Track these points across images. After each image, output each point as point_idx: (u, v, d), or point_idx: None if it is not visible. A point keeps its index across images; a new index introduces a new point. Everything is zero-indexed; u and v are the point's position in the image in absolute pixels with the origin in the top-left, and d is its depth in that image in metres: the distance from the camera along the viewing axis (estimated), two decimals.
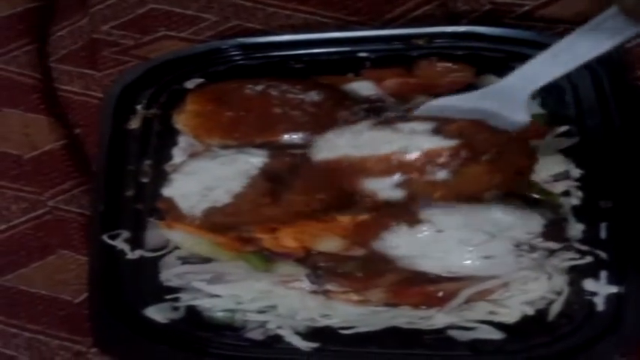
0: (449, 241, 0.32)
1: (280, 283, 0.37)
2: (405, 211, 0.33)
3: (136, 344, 0.38)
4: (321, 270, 0.36)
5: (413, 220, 0.33)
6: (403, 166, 0.32)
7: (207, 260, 0.38)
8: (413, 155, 0.31)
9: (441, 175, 0.32)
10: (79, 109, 0.48)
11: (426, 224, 0.32)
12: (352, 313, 0.36)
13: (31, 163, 0.47)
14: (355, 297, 0.36)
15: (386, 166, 0.32)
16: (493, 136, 0.32)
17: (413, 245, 0.33)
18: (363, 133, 0.31)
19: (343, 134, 0.32)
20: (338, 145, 0.33)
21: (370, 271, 0.35)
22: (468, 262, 0.33)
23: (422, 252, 0.34)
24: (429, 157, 0.31)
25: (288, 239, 0.35)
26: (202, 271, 0.38)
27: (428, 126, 0.31)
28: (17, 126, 0.48)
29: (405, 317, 0.35)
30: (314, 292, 0.36)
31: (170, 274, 0.39)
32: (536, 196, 0.35)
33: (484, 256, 0.33)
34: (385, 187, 0.33)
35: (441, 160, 0.30)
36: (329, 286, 0.36)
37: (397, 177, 0.32)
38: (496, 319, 0.35)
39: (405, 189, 0.32)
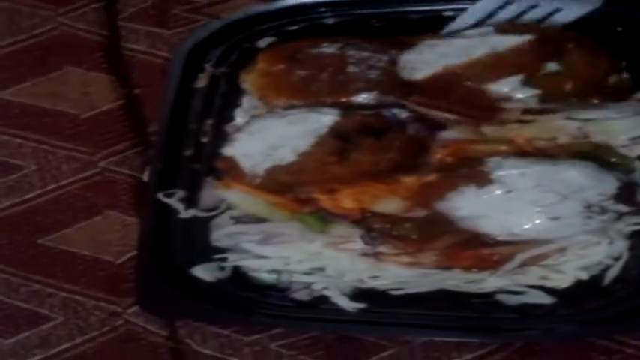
0: (517, 202, 0.34)
1: (331, 245, 0.39)
2: (475, 172, 0.36)
3: (180, 302, 0.40)
4: (376, 232, 0.38)
5: (484, 181, 0.36)
6: (519, 65, 0.35)
7: (260, 221, 0.41)
8: (508, 53, 0.34)
9: (552, 66, 0.35)
10: (142, 69, 0.50)
11: (497, 185, 0.34)
12: (402, 274, 0.38)
13: (88, 122, 0.50)
14: (407, 259, 0.38)
15: (499, 67, 0.35)
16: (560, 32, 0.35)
17: (479, 206, 0.34)
18: (454, 42, 0.34)
19: (427, 49, 0.35)
20: (430, 60, 0.35)
21: (426, 233, 0.37)
22: (534, 223, 0.35)
23: (487, 213, 0.36)
24: (538, 50, 0.35)
25: (347, 200, 0.38)
26: (253, 232, 0.41)
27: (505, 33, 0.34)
28: (77, 85, 0.51)
29: (456, 280, 0.37)
30: (365, 254, 0.38)
31: (221, 234, 0.41)
32: (613, 159, 0.37)
33: (552, 217, 0.35)
34: (516, 87, 0.36)
35: (548, 49, 0.33)
36: (382, 248, 0.38)
37: (520, 76, 0.35)
38: (548, 284, 0.37)
39: (533, 87, 0.35)
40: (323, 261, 0.39)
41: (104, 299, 0.49)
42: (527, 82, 0.37)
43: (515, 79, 0.36)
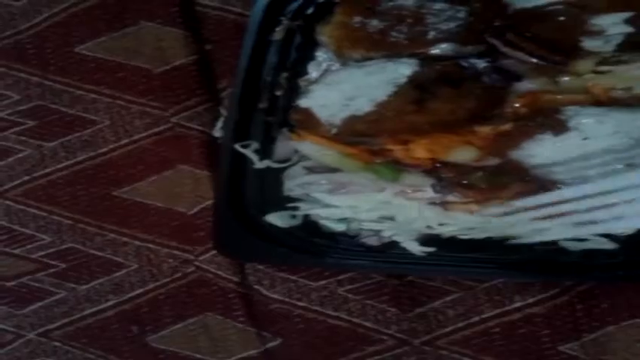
0: (593, 149, 0.39)
1: (401, 194, 0.46)
2: (552, 120, 0.41)
3: (255, 246, 0.48)
4: (446, 181, 0.44)
5: (561, 128, 0.41)
6: (632, 3, 0.39)
7: (332, 171, 0.47)
8: None
9: None
10: (214, 25, 0.56)
11: (573, 132, 0.39)
12: (469, 221, 0.45)
13: (161, 77, 0.57)
14: (475, 207, 0.45)
15: (616, 3, 0.39)
16: None
17: (555, 153, 0.40)
18: None
19: None
20: None
21: (495, 182, 0.43)
22: (607, 170, 0.41)
23: (562, 160, 0.41)
24: None
25: (420, 150, 0.44)
26: (325, 181, 0.48)
27: None
28: (151, 39, 0.57)
29: (521, 227, 0.44)
30: (433, 203, 0.45)
31: (293, 183, 0.48)
32: None
33: (627, 164, 0.41)
34: (616, 22, 0.40)
35: None
36: (451, 197, 0.45)
37: (627, 13, 0.40)
38: (612, 231, 0.43)
39: (632, 25, 0.40)
40: (392, 210, 0.47)
41: (176, 247, 0.58)
42: (629, 20, 0.40)
43: (622, 15, 0.40)
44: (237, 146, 0.46)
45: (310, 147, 0.47)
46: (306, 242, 0.48)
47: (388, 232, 0.46)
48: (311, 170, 0.48)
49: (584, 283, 0.48)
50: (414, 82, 0.42)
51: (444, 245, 0.46)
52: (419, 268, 0.47)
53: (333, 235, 0.48)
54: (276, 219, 0.48)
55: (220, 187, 0.50)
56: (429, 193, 0.45)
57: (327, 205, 0.47)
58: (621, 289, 0.49)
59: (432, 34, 0.44)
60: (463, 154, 0.44)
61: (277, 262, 0.51)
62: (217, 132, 0.53)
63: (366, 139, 0.45)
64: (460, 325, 0.50)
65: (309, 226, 0.49)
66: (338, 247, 0.48)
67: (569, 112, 0.42)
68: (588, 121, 0.41)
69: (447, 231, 0.45)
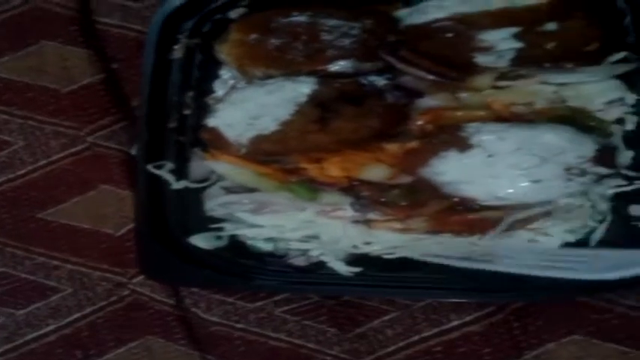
0: (498, 166, 0.43)
1: (323, 213, 0.49)
2: (455, 137, 0.44)
3: (182, 270, 0.50)
4: (365, 199, 0.46)
5: (464, 146, 0.43)
6: (516, 19, 0.42)
7: (251, 190, 0.50)
8: (521, 9, 0.42)
9: (550, 26, 0.42)
10: (117, 43, 0.59)
11: (477, 149, 0.43)
12: (394, 240, 0.48)
13: (70, 97, 0.60)
14: (398, 225, 0.48)
15: (501, 19, 0.42)
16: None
17: (461, 171, 0.43)
18: None
19: None
20: (445, 5, 0.43)
21: (414, 199, 0.46)
22: (516, 186, 0.43)
23: (470, 177, 0.44)
24: (536, 11, 0.42)
25: (333, 169, 0.47)
26: (246, 201, 0.49)
27: None
28: (55, 59, 0.60)
29: (446, 244, 0.47)
30: (356, 222, 0.48)
31: (214, 203, 0.51)
32: (591, 123, 0.45)
33: (533, 180, 0.43)
34: (505, 37, 0.43)
35: (546, 12, 0.41)
36: (372, 215, 0.48)
37: (514, 29, 0.42)
38: (536, 247, 0.45)
39: (521, 40, 0.42)
40: (317, 229, 0.49)
41: (109, 270, 0.60)
42: (517, 35, 0.44)
43: (510, 31, 0.44)
44: (151, 167, 0.47)
45: (224, 166, 0.50)
46: (232, 264, 0.51)
47: (315, 252, 0.50)
48: (230, 190, 0.52)
49: (517, 301, 0.47)
50: (314, 100, 0.45)
51: (372, 265, 0.49)
52: (348, 289, 0.51)
53: (261, 256, 0.52)
54: (200, 240, 0.50)
55: (139, 208, 0.52)
56: (349, 212, 0.48)
57: (252, 225, 0.50)
58: (555, 306, 0.52)
59: (329, 52, 0.47)
60: (375, 172, 0.46)
61: (205, 285, 0.53)
62: (134, 151, 0.52)
63: (278, 157, 0.45)
64: (401, 344, 0.53)
65: (236, 247, 0.52)
66: (266, 268, 0.52)
67: (470, 129, 0.44)
68: (489, 137, 0.43)
69: (372, 250, 0.49)
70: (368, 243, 0.48)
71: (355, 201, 0.47)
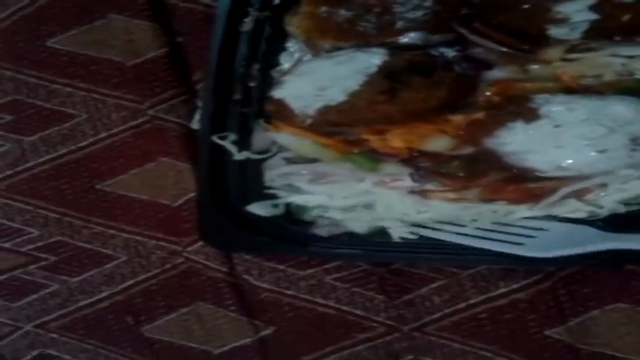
0: (565, 136, 0.45)
1: (381, 184, 0.51)
2: (523, 108, 0.46)
3: (240, 236, 0.54)
4: (424, 170, 0.50)
5: (532, 116, 0.46)
6: None
7: (311, 161, 0.53)
8: None
9: None
10: (184, 17, 0.61)
11: (544, 119, 0.45)
12: (447, 208, 0.51)
13: (134, 70, 0.63)
14: (453, 195, 0.50)
15: None
16: None
17: (527, 141, 0.45)
18: None
19: None
20: None
21: (472, 170, 0.49)
22: (581, 156, 0.46)
23: (534, 147, 0.46)
24: None
25: (396, 140, 0.49)
26: (305, 171, 0.53)
27: None
28: (121, 32, 0.62)
29: (495, 211, 0.49)
30: (412, 192, 0.51)
31: (273, 174, 0.54)
32: None
33: (598, 150, 0.45)
34: (581, 9, 0.45)
35: None
36: (429, 186, 0.50)
37: (588, 0, 0.44)
38: (583, 215, 0.48)
39: (596, 12, 0.44)
40: (373, 198, 0.52)
41: (164, 239, 0.64)
42: (593, 7, 0.46)
43: (586, 2, 0.45)
44: (215, 138, 0.50)
45: (287, 138, 0.52)
46: (288, 231, 0.54)
47: (370, 219, 0.51)
48: (290, 161, 0.54)
49: (565, 268, 0.52)
50: (384, 71, 0.48)
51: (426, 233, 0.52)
52: (399, 255, 0.53)
53: (312, 224, 0.53)
54: (258, 208, 0.54)
55: (201, 179, 0.56)
56: (408, 182, 0.50)
57: (306, 193, 0.53)
58: (602, 274, 0.55)
59: (400, 24, 0.49)
60: (438, 143, 0.49)
61: (261, 251, 0.57)
62: (195, 124, 0.58)
63: (342, 129, 0.50)
64: (447, 311, 0.57)
65: (292, 215, 0.55)
66: (320, 235, 0.52)
67: (539, 100, 0.47)
68: (559, 108, 0.46)
69: (424, 218, 0.51)
70: (420, 212, 0.51)
71: (414, 172, 0.49)
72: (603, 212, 0.48)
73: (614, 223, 0.47)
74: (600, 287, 0.53)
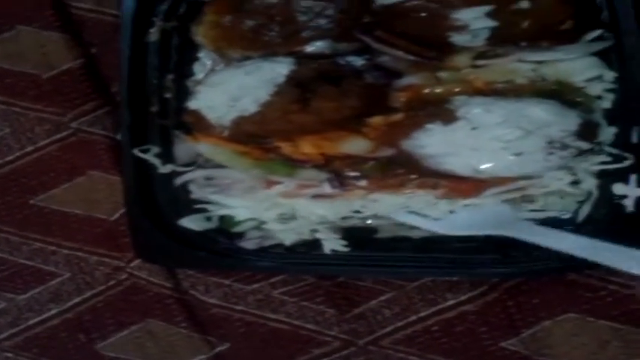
0: (482, 138, 0.52)
1: (299, 189, 0.59)
2: (441, 110, 0.53)
3: (176, 252, 0.63)
4: (341, 174, 0.57)
5: (449, 118, 0.53)
6: None
7: (224, 170, 0.61)
8: None
9: (524, 4, 0.51)
10: (94, 28, 0.70)
11: (462, 121, 0.53)
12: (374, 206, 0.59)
13: (51, 83, 0.71)
14: (372, 196, 0.58)
15: None
16: None
17: (444, 143, 0.53)
18: None
19: None
20: None
21: (389, 173, 0.56)
22: (498, 159, 0.53)
23: (452, 150, 0.53)
24: None
25: (306, 146, 0.57)
26: (217, 181, 0.61)
27: None
28: (33, 44, 0.71)
29: (421, 202, 0.57)
30: (331, 196, 0.58)
31: (195, 186, 0.62)
32: (577, 98, 0.53)
33: (514, 153, 0.52)
34: (479, 16, 0.51)
35: None
36: (347, 189, 0.58)
37: (487, 7, 0.51)
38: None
39: (494, 19, 0.51)
40: (294, 207, 0.60)
41: (106, 255, 0.74)
42: (490, 14, 0.53)
43: (482, 9, 0.53)
44: (136, 151, 0.58)
45: (205, 148, 0.61)
46: (223, 245, 0.62)
47: (305, 229, 0.59)
48: (211, 171, 0.62)
49: (510, 279, 0.59)
50: (293, 80, 0.55)
51: (366, 243, 0.60)
52: (340, 269, 0.62)
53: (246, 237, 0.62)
54: (190, 223, 0.63)
55: (128, 193, 0.64)
56: (326, 188, 0.58)
57: (229, 206, 0.61)
58: (548, 285, 0.62)
59: (305, 33, 0.56)
60: (355, 146, 0.56)
61: (200, 267, 0.66)
62: (120, 136, 0.66)
63: (259, 139, 0.57)
64: (399, 324, 0.65)
65: (225, 228, 0.63)
66: (256, 249, 0.61)
67: (457, 101, 0.53)
68: (476, 110, 0.52)
69: (355, 224, 0.59)
70: (345, 218, 0.59)
71: (332, 177, 0.57)
72: (541, 215, 0.55)
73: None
74: (548, 298, 0.59)
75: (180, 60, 0.62)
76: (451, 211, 0.55)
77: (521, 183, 0.54)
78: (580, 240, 0.50)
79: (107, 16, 0.65)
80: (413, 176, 0.54)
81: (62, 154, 0.67)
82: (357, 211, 0.58)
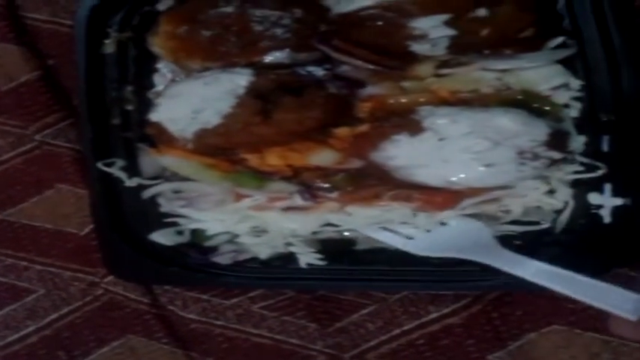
0: (450, 150, 0.54)
1: (270, 202, 0.61)
2: (407, 120, 0.55)
3: (148, 268, 0.65)
4: (311, 186, 0.59)
5: (415, 129, 0.55)
6: (444, 6, 0.53)
7: (191, 183, 0.63)
8: None
9: (482, 12, 0.53)
10: (50, 39, 0.72)
11: (429, 132, 0.55)
12: (339, 220, 0.61)
13: (10, 95, 0.74)
14: (344, 209, 0.60)
15: (433, 4, 0.53)
16: None
17: (413, 155, 0.55)
18: None
19: None
20: None
21: (361, 184, 0.58)
22: (469, 170, 0.55)
23: (421, 162, 0.56)
24: None
25: (273, 158, 0.59)
26: (185, 194, 0.63)
27: None
28: None
29: (397, 216, 0.59)
30: (302, 208, 0.60)
31: (163, 199, 0.65)
32: (545, 107, 0.55)
33: (485, 164, 0.54)
34: (436, 25, 0.53)
35: None
36: (318, 201, 0.60)
37: (444, 16, 0.53)
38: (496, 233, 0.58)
39: (453, 27, 0.53)
40: (264, 220, 0.62)
41: (79, 270, 0.76)
42: (449, 23, 0.54)
43: (440, 18, 0.55)
44: (101, 165, 0.61)
45: (171, 161, 0.63)
46: (196, 260, 0.65)
47: (279, 242, 0.62)
48: (178, 184, 0.64)
49: (492, 292, 0.60)
50: (253, 92, 0.57)
51: (342, 256, 0.62)
52: (316, 283, 0.64)
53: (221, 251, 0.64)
54: (161, 237, 0.65)
55: (96, 208, 0.67)
56: (297, 200, 0.60)
57: (199, 220, 0.64)
58: (531, 296, 0.64)
59: (263, 43, 0.58)
60: (323, 157, 0.59)
61: (174, 283, 0.69)
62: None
63: (224, 151, 0.59)
64: (383, 338, 0.67)
65: (197, 241, 0.66)
66: (230, 264, 0.64)
67: (423, 112, 0.55)
68: (442, 121, 0.54)
69: (328, 237, 0.62)
70: (315, 233, 0.61)
71: (303, 190, 0.59)
72: (517, 228, 0.57)
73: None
74: (532, 310, 0.61)
75: (138, 71, 0.64)
76: (428, 230, 0.57)
77: (497, 193, 0.56)
78: (557, 273, 0.52)
79: (63, 27, 0.70)
80: (386, 188, 0.56)
81: (27, 167, 0.70)
82: (331, 224, 0.60)
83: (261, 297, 0.68)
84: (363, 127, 0.54)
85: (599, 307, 0.49)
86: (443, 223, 0.57)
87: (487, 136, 0.52)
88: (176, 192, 0.63)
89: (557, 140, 0.53)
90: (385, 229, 0.58)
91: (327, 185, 0.58)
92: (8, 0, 0.71)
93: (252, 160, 0.56)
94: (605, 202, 0.55)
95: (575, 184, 0.56)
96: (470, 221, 0.56)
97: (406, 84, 0.56)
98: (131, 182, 0.64)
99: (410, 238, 0.57)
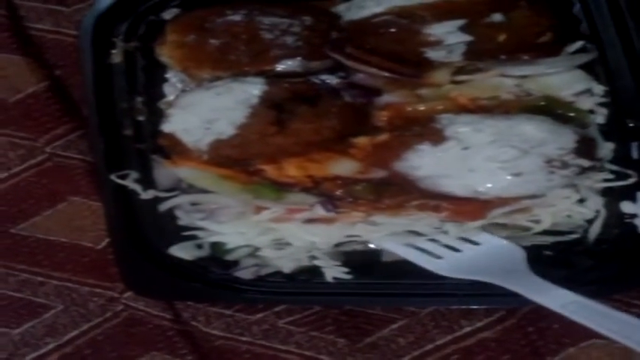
0: (475, 159, 0.61)
1: (289, 214, 0.69)
2: (428, 129, 0.62)
3: (169, 284, 0.74)
4: (335, 197, 0.67)
5: (438, 138, 0.63)
6: (457, 11, 0.61)
7: (209, 195, 0.71)
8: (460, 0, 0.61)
9: (497, 17, 0.61)
10: (55, 49, 0.82)
11: (452, 141, 0.62)
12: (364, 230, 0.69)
13: (18, 107, 0.84)
14: (365, 218, 0.68)
15: (446, 10, 0.62)
16: None
17: (437, 165, 0.62)
18: None
19: None
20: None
21: (384, 194, 0.66)
22: (496, 179, 0.62)
23: (447, 171, 0.63)
24: (476, 1, 0.61)
25: (291, 169, 0.67)
26: (204, 206, 0.72)
27: None
28: None
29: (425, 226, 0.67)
30: (323, 220, 0.69)
31: (181, 212, 0.73)
32: (569, 114, 0.61)
33: (514, 173, 0.61)
34: (452, 31, 0.61)
35: (487, 2, 0.60)
36: (342, 211, 0.68)
37: (459, 21, 0.60)
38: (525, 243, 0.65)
39: (469, 33, 0.62)
40: (279, 233, 0.71)
41: (97, 285, 0.86)
42: (464, 28, 0.61)
43: (455, 23, 0.62)
44: (114, 177, 0.69)
45: (187, 172, 0.71)
46: (218, 275, 0.74)
47: (288, 260, 0.71)
48: (196, 197, 0.72)
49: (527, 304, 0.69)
50: (267, 101, 0.65)
51: (363, 271, 0.70)
52: (342, 299, 0.72)
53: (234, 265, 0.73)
54: (180, 251, 0.74)
55: (111, 222, 0.76)
56: (319, 211, 0.68)
57: (219, 233, 0.72)
58: None
59: (274, 51, 0.66)
60: (343, 167, 0.66)
61: (196, 299, 0.78)
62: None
63: (240, 162, 0.68)
64: (416, 354, 0.75)
65: (217, 255, 0.74)
66: (253, 279, 0.73)
67: (444, 120, 0.62)
68: (465, 129, 0.61)
69: (352, 249, 0.70)
70: (338, 245, 0.69)
71: (326, 200, 0.67)
72: (549, 239, 0.64)
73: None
74: (570, 323, 0.67)
75: (148, 81, 0.72)
76: (457, 249, 0.64)
77: (526, 202, 0.63)
78: (589, 306, 0.57)
79: (67, 37, 0.78)
80: (412, 197, 0.64)
81: (39, 179, 0.79)
82: (353, 236, 0.68)
83: (286, 312, 0.76)
84: (383, 137, 0.61)
85: (632, 347, 0.54)
86: (473, 242, 0.65)
87: (512, 144, 0.59)
88: (194, 204, 0.72)
89: (585, 147, 0.60)
90: (412, 246, 0.65)
91: (348, 197, 0.65)
92: (10, 11, 0.81)
93: (270, 171, 0.64)
94: (639, 210, 0.61)
95: (606, 192, 0.63)
96: (501, 241, 0.63)
97: (423, 91, 0.63)
98: (147, 195, 0.73)
99: (439, 257, 0.64)
